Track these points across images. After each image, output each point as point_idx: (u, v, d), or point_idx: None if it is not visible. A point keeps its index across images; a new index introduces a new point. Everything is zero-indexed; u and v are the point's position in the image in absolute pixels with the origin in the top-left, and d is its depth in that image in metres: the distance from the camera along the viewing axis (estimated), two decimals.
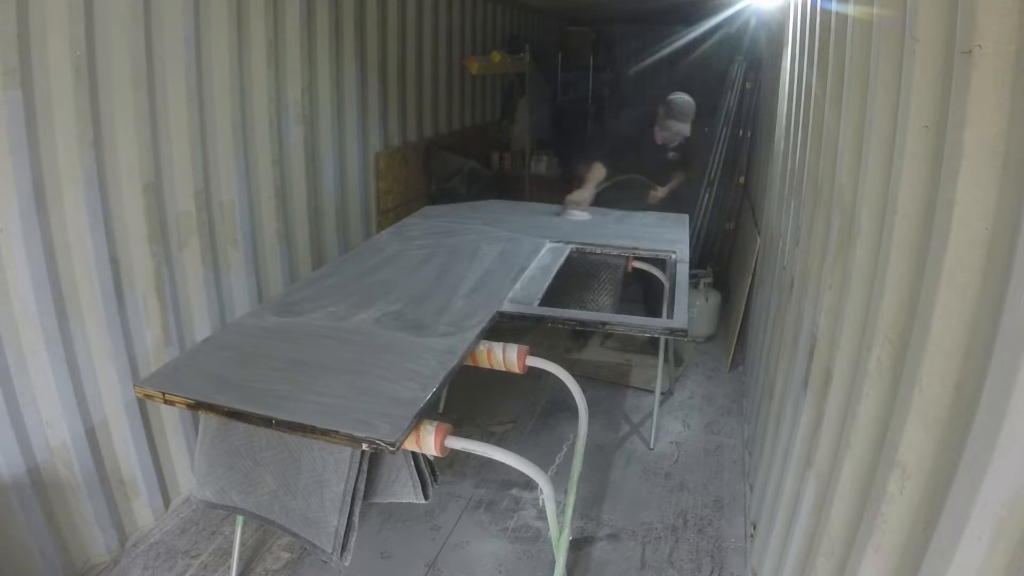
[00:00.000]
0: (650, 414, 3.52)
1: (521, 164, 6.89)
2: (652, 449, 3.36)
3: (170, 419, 2.74)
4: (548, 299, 2.43)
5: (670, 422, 3.62)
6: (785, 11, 3.52)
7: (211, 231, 2.88)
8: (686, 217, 3.56)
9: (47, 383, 2.21)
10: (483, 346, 2.06)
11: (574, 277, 3.10)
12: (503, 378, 2.47)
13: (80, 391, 2.34)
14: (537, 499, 2.68)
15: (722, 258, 5.34)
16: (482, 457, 1.74)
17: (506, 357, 2.04)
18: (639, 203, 3.96)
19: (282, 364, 1.84)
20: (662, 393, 3.59)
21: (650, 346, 4.29)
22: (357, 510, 1.76)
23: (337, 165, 3.94)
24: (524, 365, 2.05)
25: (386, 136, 4.59)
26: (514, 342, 2.08)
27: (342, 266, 2.65)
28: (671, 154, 4.08)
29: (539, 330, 4.37)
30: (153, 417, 2.66)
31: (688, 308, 2.37)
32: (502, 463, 1.74)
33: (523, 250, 2.89)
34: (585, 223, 3.40)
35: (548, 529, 1.96)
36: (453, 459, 3.05)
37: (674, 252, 2.91)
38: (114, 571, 2.46)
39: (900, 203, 1.29)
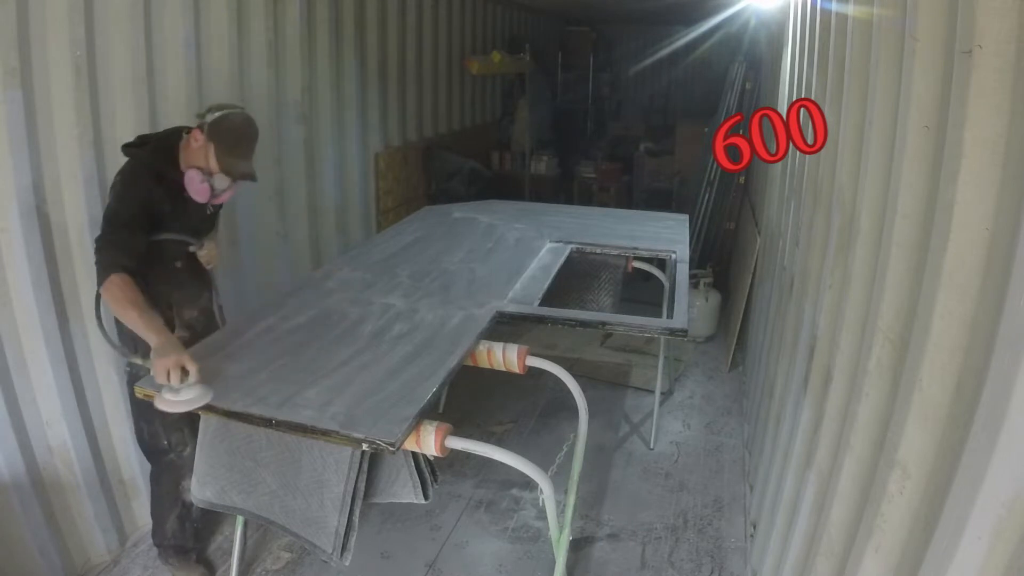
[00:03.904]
0: (650, 414, 3.52)
1: (521, 164, 6.89)
2: (652, 449, 3.36)
3: None
4: (548, 299, 2.43)
5: (670, 422, 3.62)
6: (785, 11, 3.52)
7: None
8: (686, 217, 3.56)
9: (47, 383, 2.21)
10: (483, 346, 2.06)
11: (574, 277, 3.10)
12: (503, 378, 2.47)
13: (80, 391, 2.34)
14: (537, 499, 2.68)
15: (722, 258, 5.34)
16: (482, 457, 1.74)
17: (506, 357, 2.04)
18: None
19: (275, 367, 1.84)
20: (662, 393, 3.59)
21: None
22: (357, 510, 1.76)
23: (337, 165, 3.94)
24: (524, 365, 2.05)
25: (386, 136, 4.59)
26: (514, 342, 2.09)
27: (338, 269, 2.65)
28: None
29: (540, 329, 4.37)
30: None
31: (688, 308, 2.37)
32: (502, 463, 1.74)
33: (523, 250, 2.89)
34: (583, 224, 3.39)
35: (548, 529, 1.96)
36: (453, 459, 3.05)
37: (674, 252, 2.91)
38: (114, 571, 2.46)
39: (900, 203, 1.29)
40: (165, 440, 2.23)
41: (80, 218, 2.26)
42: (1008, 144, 0.98)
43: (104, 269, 1.85)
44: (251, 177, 2.07)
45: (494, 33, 6.69)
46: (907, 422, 1.19)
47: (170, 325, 2.08)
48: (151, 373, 1.68)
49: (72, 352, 2.30)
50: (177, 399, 1.65)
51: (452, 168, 5.38)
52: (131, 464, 2.57)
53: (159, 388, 1.67)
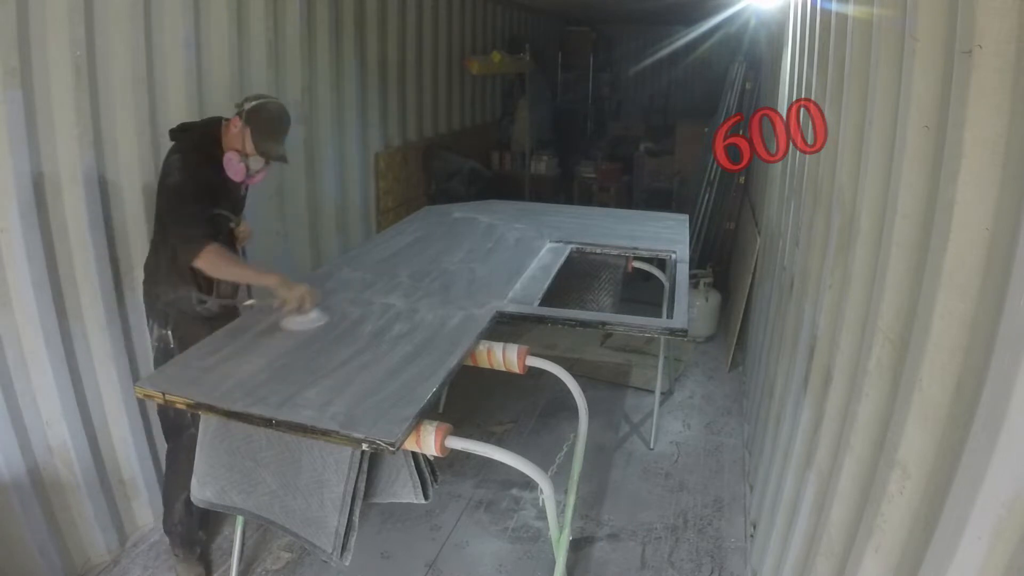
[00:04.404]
0: (650, 414, 3.52)
1: (521, 164, 6.89)
2: (652, 449, 3.36)
3: None
4: (548, 299, 2.43)
5: (670, 422, 3.62)
6: (785, 11, 3.52)
7: None
8: (686, 217, 3.57)
9: (47, 383, 2.21)
10: (483, 346, 2.06)
11: (574, 277, 3.10)
12: (503, 378, 2.47)
13: (80, 391, 2.34)
14: (537, 499, 2.68)
15: (722, 258, 5.34)
16: (482, 457, 1.74)
17: (506, 357, 2.04)
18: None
19: (275, 367, 1.84)
20: (662, 393, 3.59)
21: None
22: (357, 510, 1.76)
23: (337, 165, 3.94)
24: (524, 365, 2.05)
25: (386, 136, 4.59)
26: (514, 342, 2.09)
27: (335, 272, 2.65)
28: None
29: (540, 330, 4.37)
30: (153, 417, 2.65)
31: (688, 308, 2.37)
32: (502, 463, 1.74)
33: (523, 250, 2.89)
34: (583, 224, 3.39)
35: (548, 529, 1.96)
36: (453, 459, 3.05)
37: (674, 252, 2.91)
38: (114, 571, 2.46)
39: (900, 203, 1.29)
40: (189, 414, 2.23)
41: (80, 218, 2.26)
42: (1008, 144, 0.98)
43: (194, 243, 2.05)
44: (283, 159, 2.23)
45: (494, 33, 6.69)
46: (907, 422, 1.19)
47: (206, 294, 2.24)
48: (276, 305, 2.07)
49: (72, 352, 2.29)
50: (306, 319, 2.05)
51: (452, 168, 5.38)
52: (131, 464, 2.57)
53: (284, 315, 2.05)
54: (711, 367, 4.27)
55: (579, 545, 2.67)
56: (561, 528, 2.03)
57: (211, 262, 2.06)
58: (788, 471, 2.09)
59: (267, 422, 1.60)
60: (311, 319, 2.06)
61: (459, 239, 3.03)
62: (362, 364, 1.84)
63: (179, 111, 2.61)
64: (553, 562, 2.09)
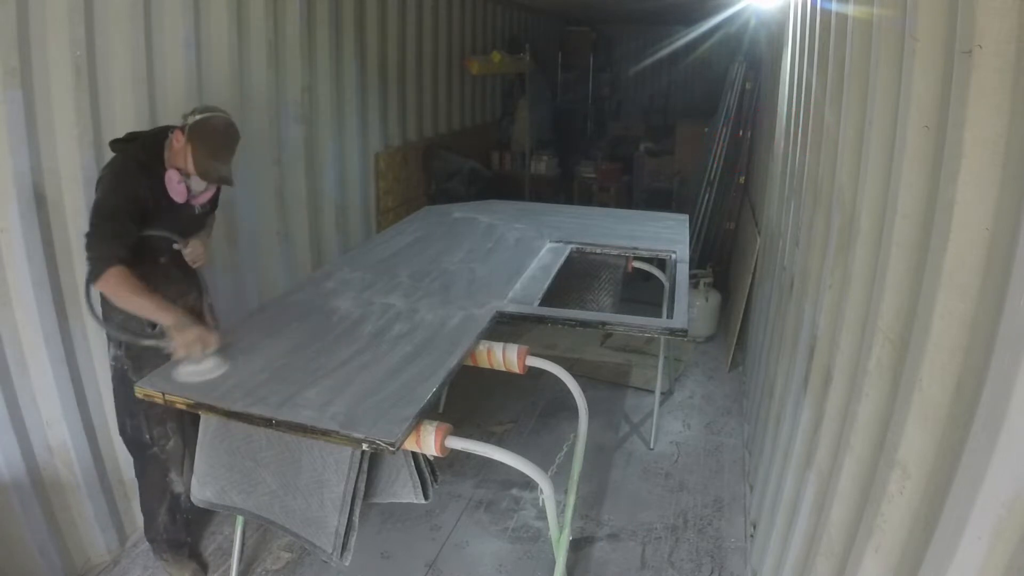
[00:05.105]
0: (650, 414, 3.52)
1: (521, 164, 6.89)
2: (652, 449, 3.36)
3: None
4: (548, 299, 2.43)
5: (670, 422, 3.62)
6: (785, 11, 3.52)
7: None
8: (686, 217, 3.57)
9: (47, 383, 2.21)
10: (483, 346, 2.06)
11: (574, 277, 3.10)
12: (503, 378, 2.47)
13: (80, 391, 2.34)
14: (537, 499, 2.68)
15: (722, 258, 5.34)
16: (482, 457, 1.74)
17: (506, 357, 2.04)
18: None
19: (275, 367, 1.84)
20: (662, 393, 3.59)
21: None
22: (357, 510, 1.77)
23: (337, 165, 3.94)
24: (524, 365, 2.05)
25: (386, 136, 4.59)
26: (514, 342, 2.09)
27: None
28: None
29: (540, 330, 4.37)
30: None
31: (688, 308, 2.37)
32: (502, 463, 1.74)
33: (523, 250, 2.89)
34: (583, 224, 3.39)
35: (548, 529, 1.96)
36: (453, 459, 3.05)
37: (674, 252, 2.91)
38: (114, 571, 2.46)
39: (900, 203, 1.29)
40: (147, 435, 2.24)
41: (80, 218, 2.26)
42: (1008, 144, 0.98)
43: (99, 263, 1.86)
44: (227, 181, 2.07)
45: (494, 33, 6.69)
46: (907, 422, 1.19)
47: (152, 323, 2.09)
48: (167, 351, 1.83)
49: (72, 352, 2.30)
50: (199, 369, 1.78)
51: (452, 168, 5.38)
52: (131, 464, 2.56)
53: (176, 363, 1.79)
54: (711, 367, 4.27)
55: (579, 545, 2.67)
56: (561, 528, 2.03)
57: (111, 287, 1.87)
58: (788, 471, 2.09)
59: (267, 422, 1.60)
60: (204, 369, 1.77)
61: (459, 239, 3.03)
62: (362, 364, 1.84)
63: (179, 112, 2.57)
64: (553, 562, 2.09)
